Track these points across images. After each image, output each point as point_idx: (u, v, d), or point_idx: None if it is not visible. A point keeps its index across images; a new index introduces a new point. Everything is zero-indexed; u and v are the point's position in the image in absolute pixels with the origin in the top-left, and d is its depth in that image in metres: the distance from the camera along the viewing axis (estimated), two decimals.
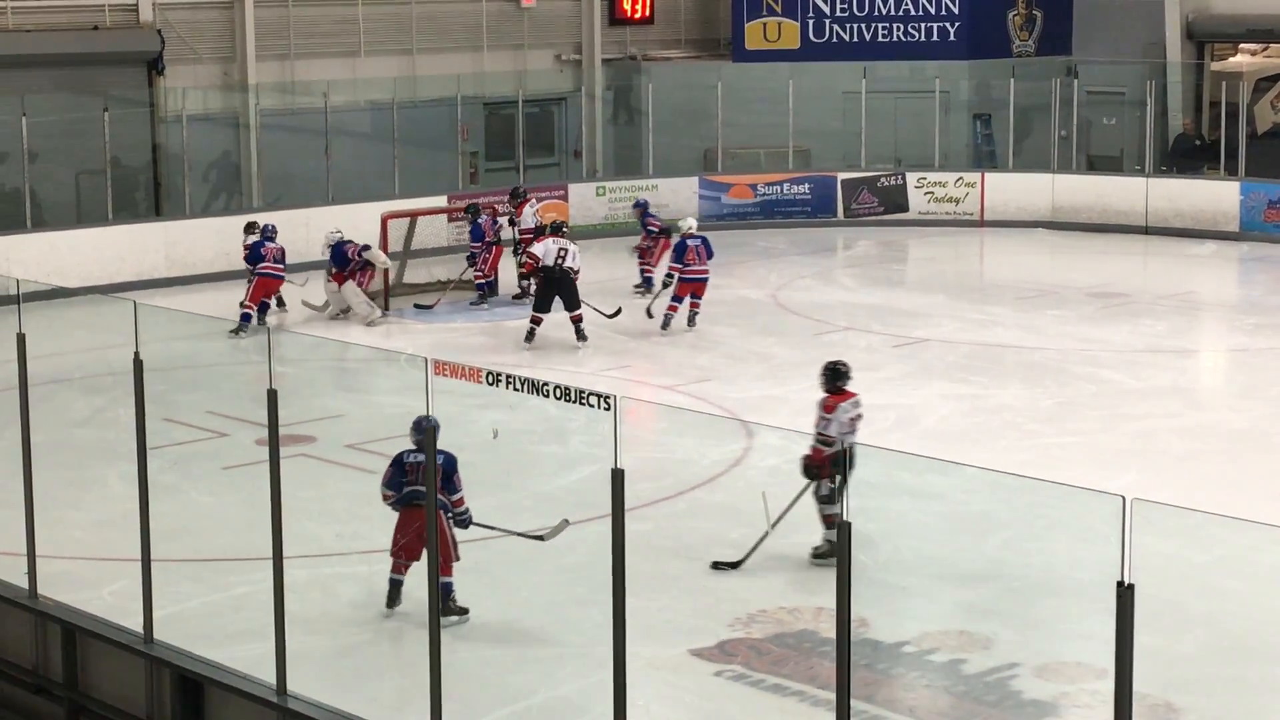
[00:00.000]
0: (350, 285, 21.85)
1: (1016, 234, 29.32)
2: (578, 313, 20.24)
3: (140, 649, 10.01)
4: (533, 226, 23.31)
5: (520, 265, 22.27)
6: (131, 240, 24.62)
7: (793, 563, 12.74)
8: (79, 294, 22.31)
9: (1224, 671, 10.93)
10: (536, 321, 20.36)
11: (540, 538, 11.36)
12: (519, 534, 11.62)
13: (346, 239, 22.17)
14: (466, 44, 30.44)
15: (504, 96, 30.19)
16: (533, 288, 21.13)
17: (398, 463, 11.45)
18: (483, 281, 23.29)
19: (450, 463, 11.24)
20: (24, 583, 10.91)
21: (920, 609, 12.02)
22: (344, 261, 21.83)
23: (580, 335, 20.20)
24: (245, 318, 20.75)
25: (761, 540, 12.37)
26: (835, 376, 13.08)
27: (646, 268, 23.60)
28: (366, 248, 22.03)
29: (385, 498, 11.48)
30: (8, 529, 11.53)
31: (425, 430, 9.67)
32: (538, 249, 20.37)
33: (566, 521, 11.45)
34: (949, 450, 15.30)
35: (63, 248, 23.98)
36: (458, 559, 11.36)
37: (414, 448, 11.29)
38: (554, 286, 20.12)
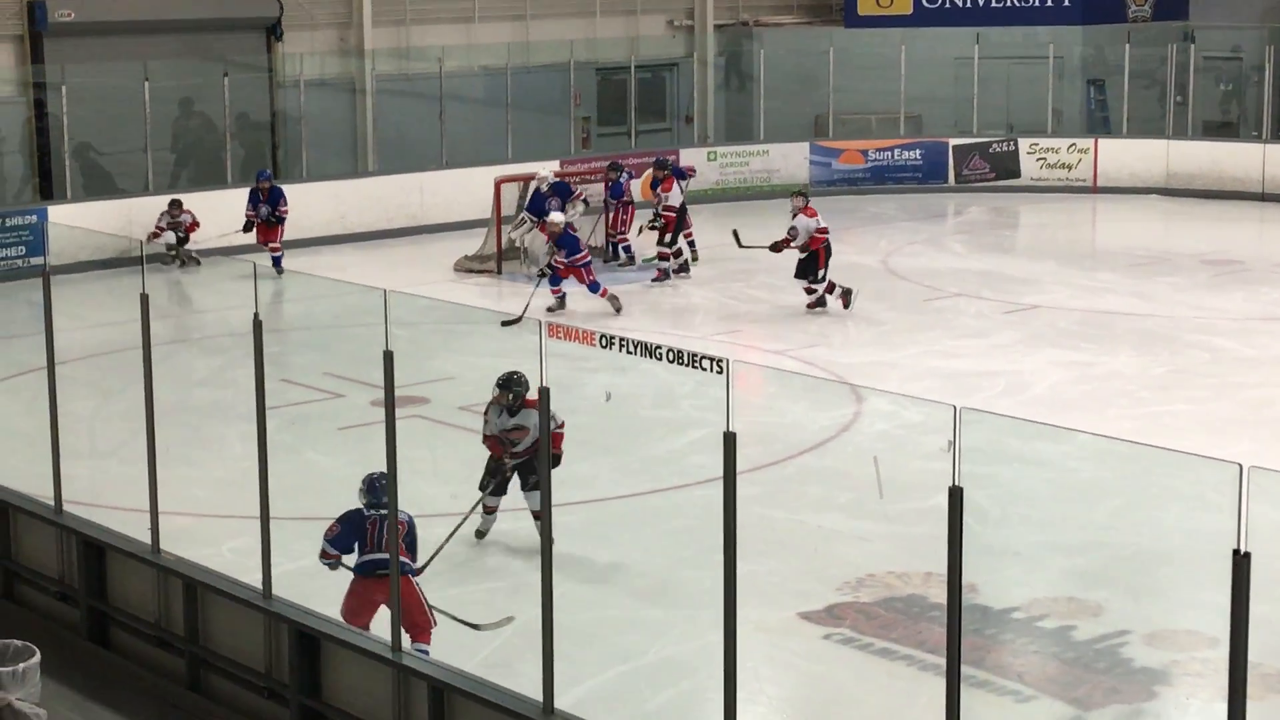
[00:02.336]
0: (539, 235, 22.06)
1: (1129, 200, 28.95)
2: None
3: (259, 604, 10.13)
4: (676, 205, 22.62)
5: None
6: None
7: (902, 527, 12.69)
8: (201, 255, 22.63)
9: None
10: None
11: (478, 627, 10.74)
12: (460, 620, 10.84)
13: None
14: (580, 9, 30.45)
15: (616, 62, 30.19)
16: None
17: (349, 521, 10.37)
18: (627, 244, 23.27)
19: (412, 525, 10.25)
20: (147, 539, 11.08)
21: (1030, 575, 11.95)
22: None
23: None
24: None
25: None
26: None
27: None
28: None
29: (324, 556, 10.40)
30: (132, 486, 11.71)
31: (378, 488, 9.78)
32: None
33: (510, 618, 10.81)
34: (1059, 417, 15.16)
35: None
36: (435, 624, 10.17)
37: (370, 505, 10.29)
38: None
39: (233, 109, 25.63)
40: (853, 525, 13.05)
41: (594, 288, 19.91)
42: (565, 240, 19.87)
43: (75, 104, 24.57)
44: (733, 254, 21.87)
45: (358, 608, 10.25)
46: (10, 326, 18.83)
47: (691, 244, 23.01)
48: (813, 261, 20.22)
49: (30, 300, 19.66)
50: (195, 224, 23.41)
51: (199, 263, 23.02)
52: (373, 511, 10.25)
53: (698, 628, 10.46)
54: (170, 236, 23.10)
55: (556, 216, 20.19)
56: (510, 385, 12.22)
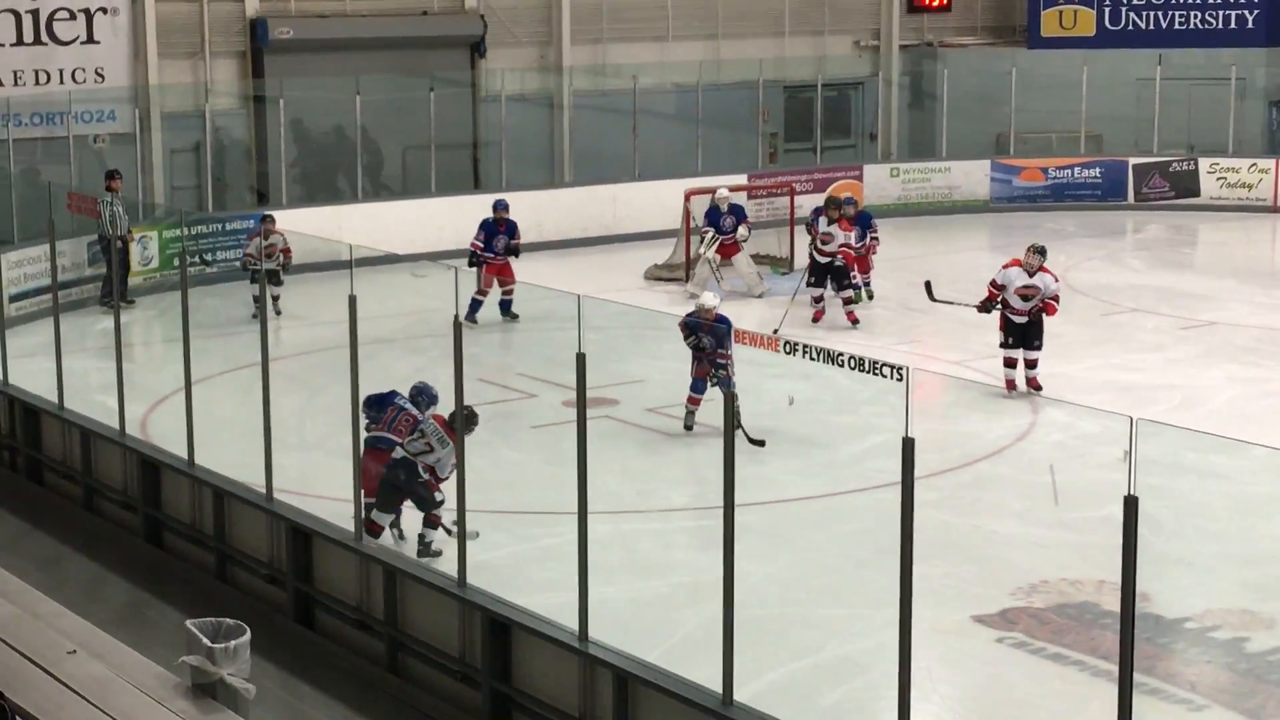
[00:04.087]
0: (742, 255, 22.05)
1: None
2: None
3: (455, 592, 10.25)
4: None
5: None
6: (452, 211, 25.17)
7: (1076, 535, 12.48)
8: (405, 260, 22.95)
9: None
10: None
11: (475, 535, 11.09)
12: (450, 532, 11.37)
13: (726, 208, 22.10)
14: (769, 29, 30.39)
15: (803, 80, 30.08)
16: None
17: (378, 400, 12.06)
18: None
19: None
20: (351, 526, 11.26)
21: (1203, 586, 11.68)
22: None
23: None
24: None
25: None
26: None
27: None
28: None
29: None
30: (336, 477, 11.92)
31: (419, 394, 11.84)
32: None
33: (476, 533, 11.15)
34: (1235, 432, 14.74)
35: (389, 217, 24.65)
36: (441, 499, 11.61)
37: (407, 396, 12.13)
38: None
39: (437, 122, 25.97)
40: (1027, 532, 12.86)
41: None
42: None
43: (292, 116, 25.10)
44: (912, 265, 21.68)
45: (367, 474, 11.63)
46: (229, 324, 19.26)
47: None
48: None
49: (246, 300, 20.16)
50: (288, 249, 20.33)
51: (280, 312, 19.85)
52: (402, 403, 12.00)
53: (873, 626, 10.37)
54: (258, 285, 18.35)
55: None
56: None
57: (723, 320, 14.59)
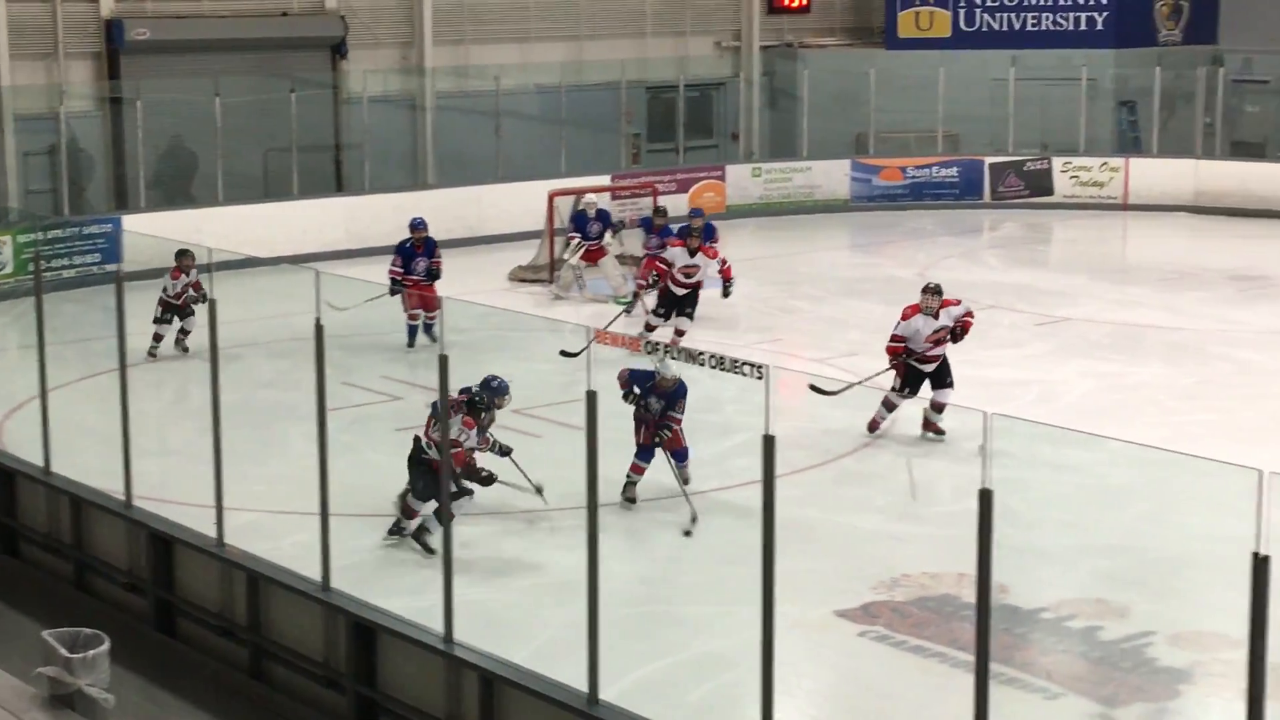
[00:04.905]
0: (609, 258, 22.00)
1: (1159, 218, 28.75)
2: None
3: (318, 596, 10.17)
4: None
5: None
6: (315, 214, 25.00)
7: (936, 529, 12.63)
8: (266, 264, 22.69)
9: None
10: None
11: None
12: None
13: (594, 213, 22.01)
14: (631, 30, 30.48)
15: (665, 81, 30.19)
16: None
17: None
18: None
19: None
20: (213, 533, 11.12)
21: (1060, 577, 11.88)
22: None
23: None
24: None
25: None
26: None
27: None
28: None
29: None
30: (199, 483, 11.76)
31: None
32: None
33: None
34: (1089, 425, 14.99)
35: (250, 220, 24.38)
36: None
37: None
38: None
39: (299, 124, 25.73)
40: (888, 527, 13.00)
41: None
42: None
43: (149, 119, 24.73)
44: (774, 265, 21.85)
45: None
46: (86, 330, 18.92)
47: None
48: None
49: (105, 305, 19.80)
50: (199, 285, 18.44)
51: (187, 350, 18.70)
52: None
53: (738, 623, 10.41)
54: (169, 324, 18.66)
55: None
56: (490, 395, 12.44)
57: (679, 385, 13.20)
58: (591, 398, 8.42)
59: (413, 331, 19.34)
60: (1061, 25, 31.40)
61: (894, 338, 15.40)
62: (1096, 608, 11.14)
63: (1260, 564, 6.42)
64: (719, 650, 10.54)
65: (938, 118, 30.09)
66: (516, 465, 12.66)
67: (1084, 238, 27.66)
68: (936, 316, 15.30)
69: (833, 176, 29.47)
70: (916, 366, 15.33)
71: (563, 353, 15.77)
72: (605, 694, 8.64)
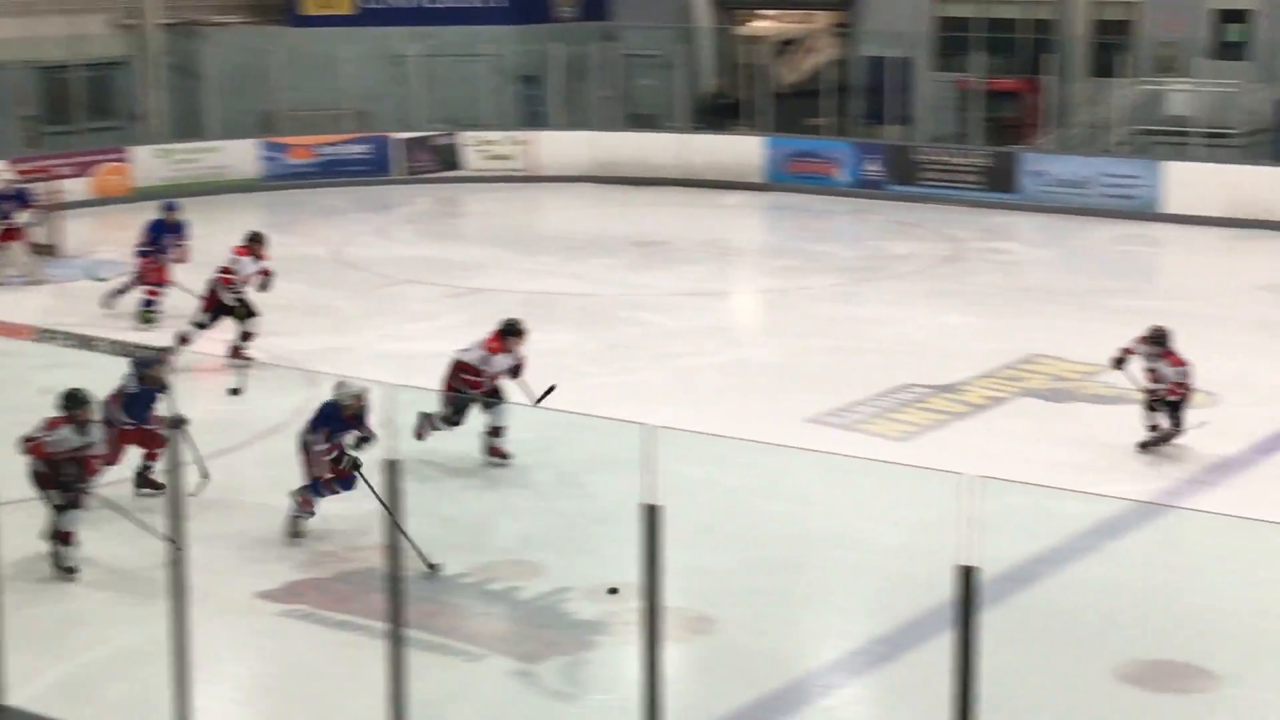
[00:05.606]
0: (20, 242, 21.00)
1: (564, 188, 29.66)
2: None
3: None
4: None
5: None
6: None
7: (355, 505, 12.60)
8: None
9: (756, 583, 11.30)
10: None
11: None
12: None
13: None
14: (17, 9, 28.94)
15: (60, 61, 28.90)
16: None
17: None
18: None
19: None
20: None
21: (481, 541, 12.09)
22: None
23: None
24: None
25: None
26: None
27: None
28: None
29: None
30: None
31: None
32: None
33: None
34: (508, 392, 15.36)
35: None
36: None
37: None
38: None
39: None
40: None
41: None
42: None
43: None
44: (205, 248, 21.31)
45: None
46: None
47: None
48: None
49: None
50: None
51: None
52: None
53: (151, 614, 10.11)
54: None
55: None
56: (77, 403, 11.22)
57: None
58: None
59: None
60: (464, 3, 31.90)
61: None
62: (514, 569, 11.38)
63: (649, 512, 6.69)
64: (134, 645, 10.18)
65: (346, 95, 30.05)
66: None
67: (494, 210, 28.22)
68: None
69: (242, 156, 28.99)
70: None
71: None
72: (15, 698, 8.23)
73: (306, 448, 11.90)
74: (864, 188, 28.66)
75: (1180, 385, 13.85)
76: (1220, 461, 13.75)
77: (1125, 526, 11.99)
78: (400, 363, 16.93)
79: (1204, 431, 14.16)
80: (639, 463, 6.75)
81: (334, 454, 11.77)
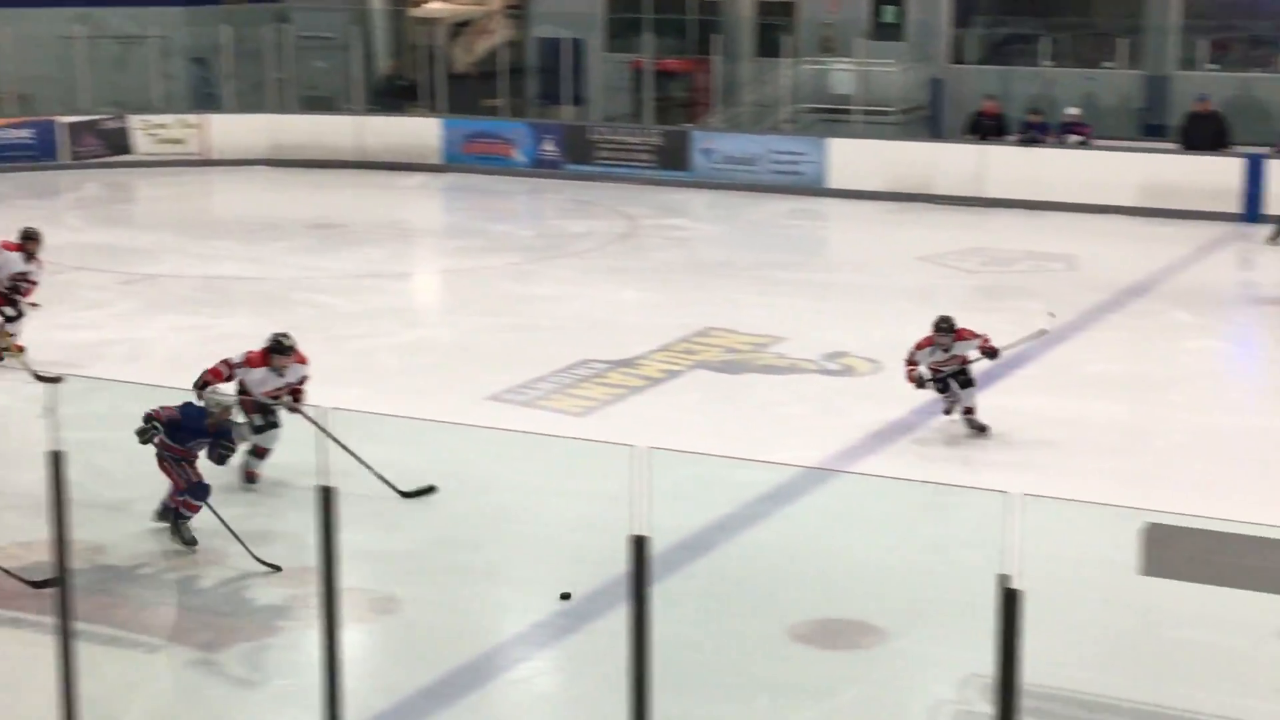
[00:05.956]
0: None
1: (239, 172, 29.12)
2: None
3: None
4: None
5: None
6: None
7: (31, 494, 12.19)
8: None
9: (439, 562, 11.30)
10: None
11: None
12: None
13: None
14: None
15: None
16: None
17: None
18: None
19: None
20: None
21: (153, 532, 11.82)
22: None
23: None
24: None
25: None
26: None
27: None
28: None
29: None
30: None
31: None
32: None
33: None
34: (182, 378, 14.91)
35: None
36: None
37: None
38: None
39: None
40: None
41: None
42: None
43: None
44: None
45: None
46: None
47: None
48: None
49: None
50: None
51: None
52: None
53: None
54: None
55: None
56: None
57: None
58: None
59: None
60: None
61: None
62: (191, 558, 11.14)
63: (325, 494, 6.64)
64: None
65: (7, 78, 28.98)
66: None
67: (167, 195, 27.54)
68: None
69: None
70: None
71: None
72: None
73: (170, 453, 11.33)
74: (541, 167, 28.82)
75: (986, 341, 13.74)
76: (884, 426, 14.23)
77: (796, 492, 12.32)
78: (72, 350, 16.43)
79: (870, 397, 14.64)
80: (314, 444, 6.71)
81: (192, 460, 11.33)
